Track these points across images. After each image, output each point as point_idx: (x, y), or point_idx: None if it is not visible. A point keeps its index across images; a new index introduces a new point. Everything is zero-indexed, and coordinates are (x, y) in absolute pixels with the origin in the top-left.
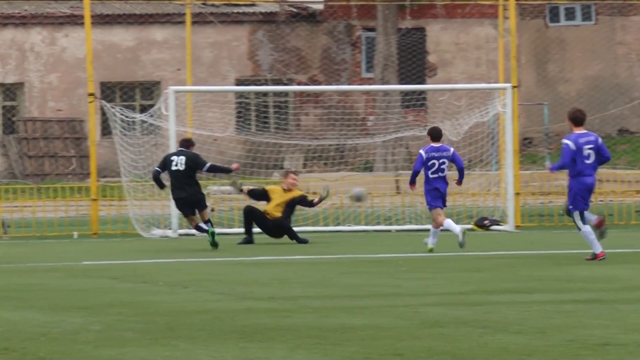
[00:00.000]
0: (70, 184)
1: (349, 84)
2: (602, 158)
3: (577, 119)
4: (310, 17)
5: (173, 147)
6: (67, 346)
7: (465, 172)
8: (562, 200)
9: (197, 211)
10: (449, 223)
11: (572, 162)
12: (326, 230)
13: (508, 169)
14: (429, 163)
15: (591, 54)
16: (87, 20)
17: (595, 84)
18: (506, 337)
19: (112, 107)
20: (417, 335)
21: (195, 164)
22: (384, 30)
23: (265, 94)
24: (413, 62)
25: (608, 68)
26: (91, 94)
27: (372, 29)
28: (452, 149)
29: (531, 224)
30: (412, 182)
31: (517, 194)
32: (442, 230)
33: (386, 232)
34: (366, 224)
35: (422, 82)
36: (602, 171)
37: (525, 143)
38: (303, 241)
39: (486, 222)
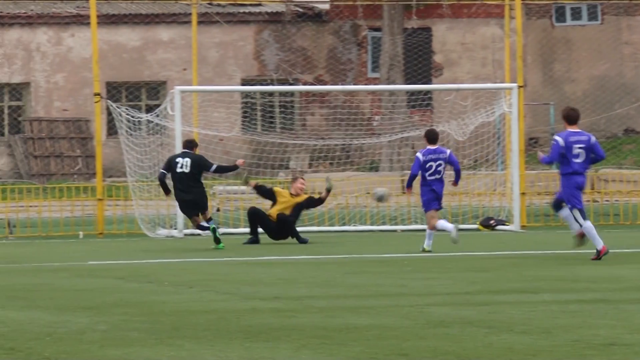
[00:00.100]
0: (76, 183)
1: (355, 84)
2: (596, 157)
3: (570, 117)
4: (316, 17)
5: (179, 147)
6: (73, 346)
7: (471, 172)
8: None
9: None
10: (441, 224)
11: (563, 160)
12: (331, 230)
13: (514, 169)
14: (426, 165)
15: (597, 53)
16: (93, 20)
17: (602, 84)
18: (511, 337)
19: (118, 107)
20: (422, 335)
21: (201, 166)
22: (390, 30)
23: (271, 93)
24: (419, 62)
25: (614, 68)
26: (97, 94)
27: (378, 29)
28: (448, 151)
29: (537, 224)
30: (409, 185)
31: (523, 193)
32: (437, 231)
33: (392, 232)
34: (371, 224)
35: (428, 82)
36: (608, 171)
37: (531, 143)
38: (303, 241)
39: (492, 222)
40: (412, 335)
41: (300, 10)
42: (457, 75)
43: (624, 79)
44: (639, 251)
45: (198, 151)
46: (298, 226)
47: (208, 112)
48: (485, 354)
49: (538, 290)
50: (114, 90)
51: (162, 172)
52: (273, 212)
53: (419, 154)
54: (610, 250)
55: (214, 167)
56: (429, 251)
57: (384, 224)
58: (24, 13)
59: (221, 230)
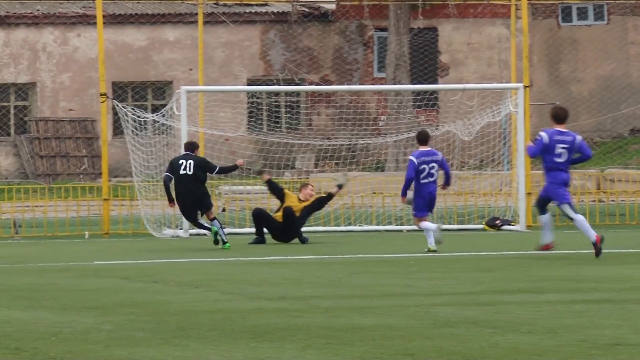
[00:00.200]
0: (82, 183)
1: (361, 84)
2: (582, 157)
3: (558, 116)
4: (322, 17)
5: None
6: (78, 346)
7: (477, 172)
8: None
9: (200, 213)
10: (425, 224)
11: (545, 157)
12: (337, 230)
13: (520, 169)
14: (420, 168)
15: (603, 53)
16: (100, 20)
17: (608, 84)
18: (517, 337)
19: (124, 107)
20: (427, 335)
21: (204, 167)
22: (396, 30)
23: (277, 93)
24: (425, 62)
25: (620, 68)
26: (103, 94)
27: (384, 29)
28: (440, 154)
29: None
30: (405, 193)
31: (529, 193)
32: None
33: (397, 232)
34: (377, 224)
35: (434, 82)
36: (614, 171)
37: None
38: (304, 240)
39: (497, 222)
40: (418, 335)
41: (307, 10)
42: (463, 75)
43: (630, 79)
44: None
45: (203, 153)
46: (303, 225)
47: (214, 112)
48: (490, 354)
49: (543, 290)
50: (120, 90)
51: (168, 176)
52: (279, 215)
53: (412, 157)
54: (616, 251)
55: (217, 168)
56: (434, 250)
57: (389, 224)
58: (30, 13)
59: (227, 230)
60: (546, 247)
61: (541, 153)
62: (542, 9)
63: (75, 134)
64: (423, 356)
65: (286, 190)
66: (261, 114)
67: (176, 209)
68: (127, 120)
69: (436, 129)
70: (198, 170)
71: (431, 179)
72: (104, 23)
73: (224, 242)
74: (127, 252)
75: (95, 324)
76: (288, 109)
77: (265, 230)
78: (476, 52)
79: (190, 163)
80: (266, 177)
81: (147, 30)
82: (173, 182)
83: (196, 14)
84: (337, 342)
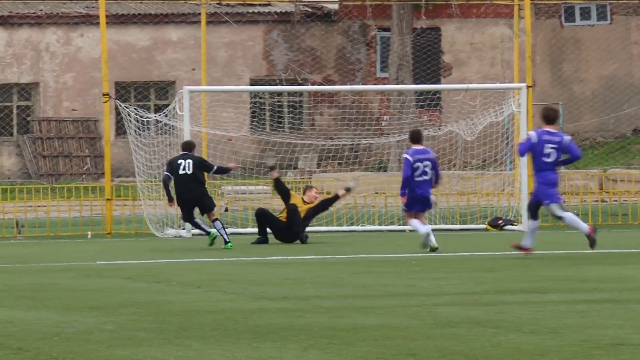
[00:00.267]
0: (85, 183)
1: (364, 84)
2: (571, 157)
3: (548, 117)
4: (325, 17)
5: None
6: (80, 346)
7: (480, 171)
8: (575, 201)
9: (198, 212)
10: (415, 223)
11: (534, 157)
12: (340, 230)
13: (522, 169)
14: (415, 166)
15: (606, 53)
16: (102, 20)
17: (610, 84)
18: (519, 337)
19: (127, 107)
20: (430, 335)
21: (203, 167)
22: (398, 30)
23: (279, 93)
24: (428, 61)
25: (623, 68)
26: (106, 94)
27: (387, 29)
28: (432, 152)
29: (545, 224)
30: (404, 193)
31: (531, 193)
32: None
33: (400, 232)
34: (380, 224)
35: (437, 81)
36: (617, 171)
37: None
38: (303, 238)
39: (500, 222)
40: (420, 335)
41: (309, 10)
42: (466, 75)
43: (633, 79)
44: None
45: (206, 153)
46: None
47: (217, 112)
48: (493, 354)
49: (546, 290)
50: (122, 90)
51: (167, 175)
52: (283, 216)
53: (407, 156)
54: (618, 251)
55: (215, 167)
56: (436, 248)
57: (392, 224)
58: (33, 13)
59: (229, 230)
60: (525, 250)
61: (529, 152)
62: (545, 9)
63: (78, 134)
64: (425, 356)
65: (292, 192)
66: (264, 114)
67: (177, 209)
68: (130, 120)
69: (439, 129)
70: (197, 170)
71: (425, 177)
72: (106, 23)
73: (226, 242)
74: (130, 252)
75: (98, 324)
76: (291, 109)
77: (268, 230)
78: (479, 52)
79: (189, 162)
80: (275, 174)
81: (150, 30)
82: (173, 181)
83: (199, 14)
84: (340, 342)
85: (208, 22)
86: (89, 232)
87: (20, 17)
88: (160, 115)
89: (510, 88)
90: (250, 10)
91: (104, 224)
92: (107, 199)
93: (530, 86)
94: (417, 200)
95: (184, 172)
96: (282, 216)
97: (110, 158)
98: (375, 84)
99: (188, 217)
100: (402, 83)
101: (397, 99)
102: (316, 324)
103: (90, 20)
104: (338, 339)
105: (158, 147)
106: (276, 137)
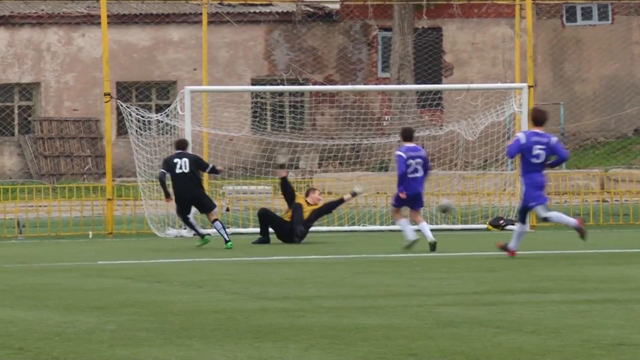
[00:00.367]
0: (86, 183)
1: (365, 84)
2: (559, 158)
3: (537, 119)
4: (326, 17)
5: (189, 147)
6: (82, 346)
7: (481, 171)
8: (577, 200)
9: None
10: (403, 224)
11: (523, 159)
12: (341, 230)
13: None
14: (407, 163)
15: (607, 53)
16: (104, 20)
17: (612, 84)
18: (520, 337)
19: (128, 107)
20: (431, 335)
21: (199, 165)
22: (400, 29)
23: (281, 93)
24: (429, 61)
25: (624, 68)
26: (107, 94)
27: (388, 29)
28: (423, 150)
29: (546, 223)
30: (401, 189)
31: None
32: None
33: (401, 232)
34: (381, 224)
35: (438, 81)
36: (618, 171)
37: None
38: (298, 232)
39: (501, 222)
40: (421, 335)
41: (311, 10)
42: (467, 75)
43: (634, 79)
44: None
45: (207, 153)
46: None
47: (218, 112)
48: (494, 354)
49: (547, 290)
50: (124, 90)
51: (163, 172)
52: (288, 216)
53: (400, 152)
54: (619, 250)
55: (210, 167)
56: (434, 242)
57: (393, 224)
58: (35, 13)
59: (230, 230)
60: (510, 252)
61: (518, 153)
62: (547, 9)
63: (79, 134)
64: (426, 356)
65: (297, 193)
66: (265, 114)
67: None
68: (131, 120)
69: (440, 128)
70: (194, 168)
71: (417, 175)
72: (108, 23)
73: (227, 242)
74: (131, 252)
75: (99, 324)
76: (292, 109)
77: (270, 230)
78: (480, 52)
79: (185, 161)
80: (284, 173)
81: (151, 30)
82: (170, 180)
83: (200, 14)
84: (341, 342)
85: (209, 22)
86: (90, 232)
87: (21, 17)
88: (161, 115)
89: (512, 88)
90: (252, 10)
91: (105, 224)
92: (109, 199)
93: (531, 86)
94: (408, 197)
95: (180, 170)
96: (287, 216)
97: (111, 158)
98: (376, 84)
99: (182, 213)
100: (404, 83)
101: (398, 99)
102: (317, 324)
103: (91, 20)
104: (339, 339)
105: (159, 147)
106: (277, 137)
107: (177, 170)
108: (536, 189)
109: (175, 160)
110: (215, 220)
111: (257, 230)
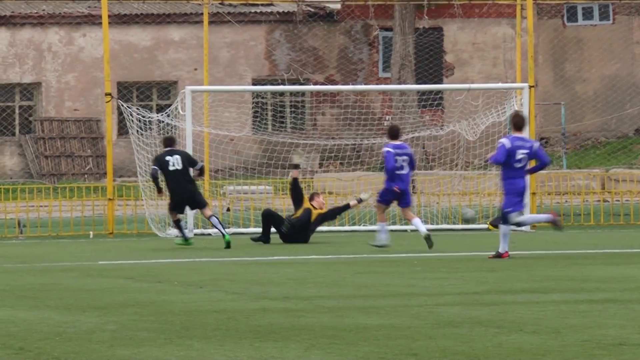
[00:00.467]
0: (87, 183)
1: (366, 84)
2: (541, 163)
3: (517, 124)
4: (327, 17)
5: (189, 146)
6: (82, 346)
7: (482, 171)
8: (577, 200)
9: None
10: (382, 227)
11: (505, 165)
12: (341, 230)
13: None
14: (394, 159)
15: (608, 53)
16: (105, 20)
17: (613, 84)
18: (521, 337)
19: (129, 107)
20: (431, 335)
21: (190, 161)
22: (401, 29)
23: (281, 93)
24: (430, 61)
25: (625, 68)
26: (108, 94)
27: (389, 29)
28: (409, 147)
29: (547, 224)
30: (392, 185)
31: (533, 193)
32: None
33: (401, 232)
34: None
35: (439, 81)
36: (619, 171)
37: (542, 143)
38: (285, 221)
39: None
40: (422, 335)
41: (312, 10)
42: (468, 75)
43: (635, 79)
44: None
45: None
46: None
47: (219, 112)
48: (494, 354)
49: (548, 290)
50: (125, 90)
51: (155, 169)
52: (296, 217)
53: (388, 149)
54: (620, 250)
55: (200, 164)
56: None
57: (394, 224)
58: (36, 13)
59: (231, 230)
60: (503, 256)
61: (504, 159)
62: (548, 9)
63: (80, 134)
64: (427, 356)
65: (306, 196)
66: (266, 114)
67: (185, 208)
68: (132, 120)
69: (441, 128)
70: (186, 164)
71: (403, 172)
72: (109, 23)
73: (224, 235)
74: (132, 252)
75: (100, 324)
76: (293, 109)
77: (273, 230)
78: (481, 52)
79: (177, 158)
80: (296, 174)
81: (152, 30)
82: (164, 178)
83: (201, 13)
84: (341, 342)
85: (210, 22)
86: (91, 232)
87: (22, 17)
88: (162, 115)
89: (513, 88)
90: (253, 10)
91: (105, 224)
92: (109, 199)
93: (532, 86)
94: (392, 197)
95: (174, 168)
96: (296, 216)
97: (112, 158)
98: (377, 84)
99: (175, 210)
100: (405, 83)
101: (399, 98)
102: (318, 323)
103: (92, 20)
104: (340, 338)
105: (160, 147)
106: (278, 137)
107: (170, 168)
108: (516, 195)
109: (167, 157)
110: (211, 216)
111: (258, 230)
